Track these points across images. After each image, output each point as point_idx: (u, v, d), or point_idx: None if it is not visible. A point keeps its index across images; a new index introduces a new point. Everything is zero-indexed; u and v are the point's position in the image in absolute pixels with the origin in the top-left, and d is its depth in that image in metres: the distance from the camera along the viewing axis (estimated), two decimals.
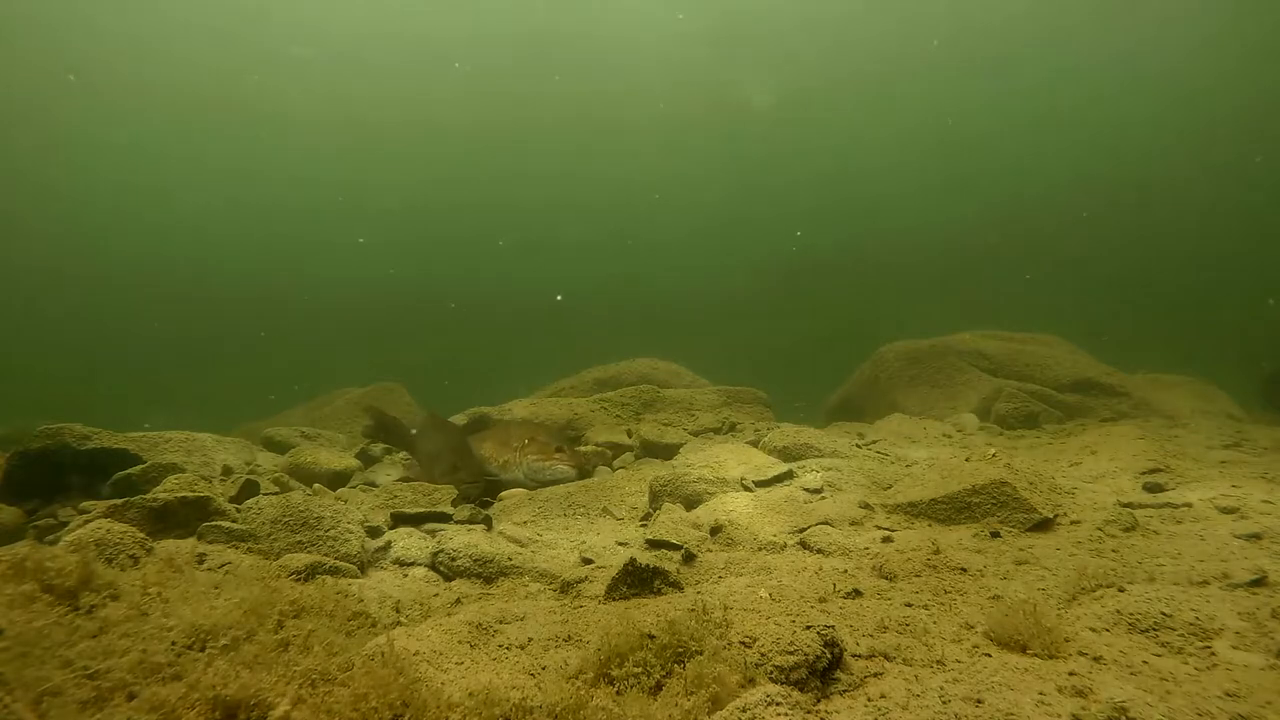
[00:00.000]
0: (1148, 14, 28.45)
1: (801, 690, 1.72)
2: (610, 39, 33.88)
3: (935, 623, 2.23)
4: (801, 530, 3.50)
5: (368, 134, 37.39)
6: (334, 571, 3.05)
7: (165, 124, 34.83)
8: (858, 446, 5.86)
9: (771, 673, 1.74)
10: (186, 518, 3.41)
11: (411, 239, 41.17)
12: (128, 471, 4.34)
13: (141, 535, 2.92)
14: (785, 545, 3.38)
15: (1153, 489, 4.06)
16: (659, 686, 1.72)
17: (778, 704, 1.62)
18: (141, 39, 31.26)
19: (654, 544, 3.40)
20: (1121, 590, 2.40)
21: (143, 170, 36.93)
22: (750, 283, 36.71)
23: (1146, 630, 2.15)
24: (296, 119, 35.97)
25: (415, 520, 4.01)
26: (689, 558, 3.12)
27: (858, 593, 2.56)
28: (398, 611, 2.71)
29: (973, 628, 2.18)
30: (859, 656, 1.93)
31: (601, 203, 41.91)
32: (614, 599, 2.57)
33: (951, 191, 38.09)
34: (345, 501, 4.56)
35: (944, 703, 1.65)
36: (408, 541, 3.56)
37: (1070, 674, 1.80)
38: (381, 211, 40.52)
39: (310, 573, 2.96)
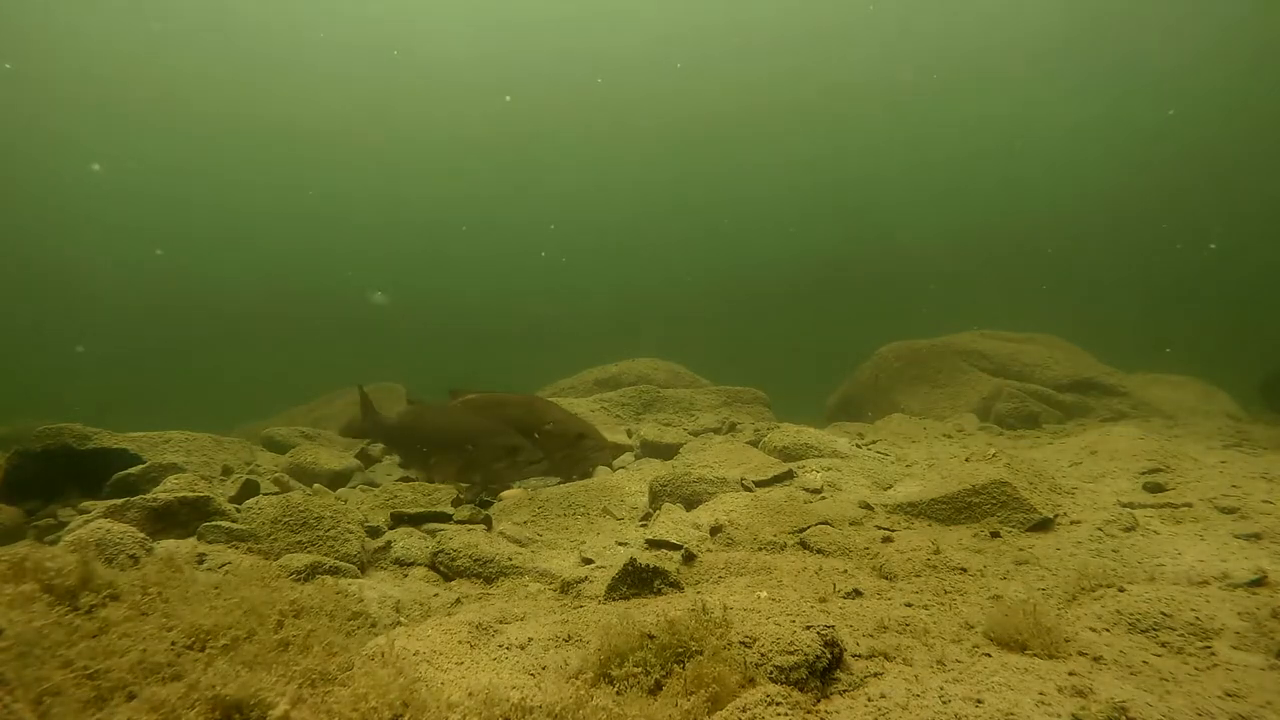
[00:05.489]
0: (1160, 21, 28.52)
1: (801, 690, 1.71)
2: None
3: (935, 623, 2.23)
4: (801, 530, 3.50)
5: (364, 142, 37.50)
6: (334, 571, 3.05)
7: (161, 131, 34.88)
8: (858, 446, 5.86)
9: (771, 673, 1.74)
10: (186, 518, 3.41)
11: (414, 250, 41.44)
12: (128, 471, 4.34)
13: (141, 535, 2.92)
14: (785, 545, 3.38)
15: (1153, 489, 4.06)
16: (659, 686, 1.72)
17: (778, 704, 1.62)
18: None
19: (654, 544, 3.40)
20: (1121, 590, 2.40)
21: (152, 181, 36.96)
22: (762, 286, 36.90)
23: (1146, 630, 2.15)
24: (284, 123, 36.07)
25: (415, 520, 4.01)
26: (689, 558, 3.12)
27: (858, 593, 2.56)
28: (398, 611, 2.71)
29: (973, 628, 2.18)
30: (859, 656, 1.93)
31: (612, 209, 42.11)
32: (614, 599, 2.57)
33: (956, 201, 38.23)
34: (345, 501, 4.56)
35: (944, 703, 1.65)
36: (408, 541, 3.56)
37: (1070, 674, 1.80)
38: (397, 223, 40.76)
39: (310, 573, 2.96)
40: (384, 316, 37.63)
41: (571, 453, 4.67)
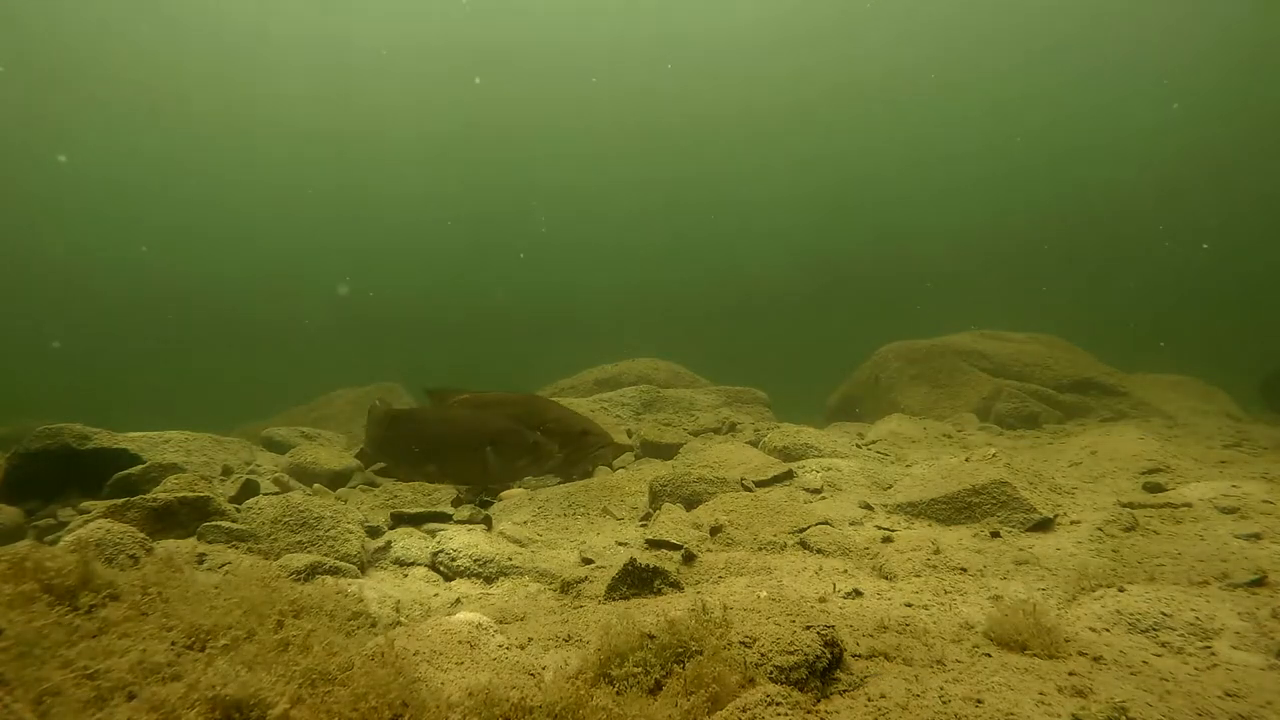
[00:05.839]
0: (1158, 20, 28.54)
1: (801, 690, 1.71)
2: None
3: (935, 623, 2.23)
4: (801, 530, 3.50)
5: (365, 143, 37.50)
6: (334, 571, 3.05)
7: (161, 130, 34.85)
8: (858, 446, 5.86)
9: (771, 673, 1.74)
10: (186, 518, 3.41)
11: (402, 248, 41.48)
12: (128, 471, 4.34)
13: (141, 535, 2.91)
14: (785, 545, 3.38)
15: (1153, 489, 4.06)
16: (659, 686, 1.72)
17: (778, 704, 1.62)
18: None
19: (654, 544, 3.40)
20: (1121, 590, 2.40)
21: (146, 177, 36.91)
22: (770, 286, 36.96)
23: (1146, 630, 2.15)
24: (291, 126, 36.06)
25: (415, 520, 4.01)
26: (689, 558, 3.12)
27: (858, 593, 2.56)
28: (398, 611, 2.71)
29: (973, 628, 2.18)
30: (859, 656, 1.93)
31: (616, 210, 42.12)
32: (614, 599, 2.57)
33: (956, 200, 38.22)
34: (345, 501, 4.56)
35: (944, 703, 1.65)
36: (408, 541, 3.56)
37: (1070, 674, 1.80)
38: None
39: (310, 573, 2.96)
40: (381, 316, 37.68)
41: (574, 451, 4.62)
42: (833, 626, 1.87)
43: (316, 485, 5.17)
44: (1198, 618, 2.16)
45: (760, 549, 3.36)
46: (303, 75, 34.32)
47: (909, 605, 2.43)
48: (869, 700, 1.69)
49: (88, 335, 36.43)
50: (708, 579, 2.92)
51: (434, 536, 3.70)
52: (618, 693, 1.69)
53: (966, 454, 4.38)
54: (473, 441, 4.44)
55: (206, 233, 39.95)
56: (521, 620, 2.36)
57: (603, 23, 33.92)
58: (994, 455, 4.02)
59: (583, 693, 1.62)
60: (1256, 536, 3.08)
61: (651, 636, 1.81)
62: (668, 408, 8.01)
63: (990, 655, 1.95)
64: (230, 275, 39.64)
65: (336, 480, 5.49)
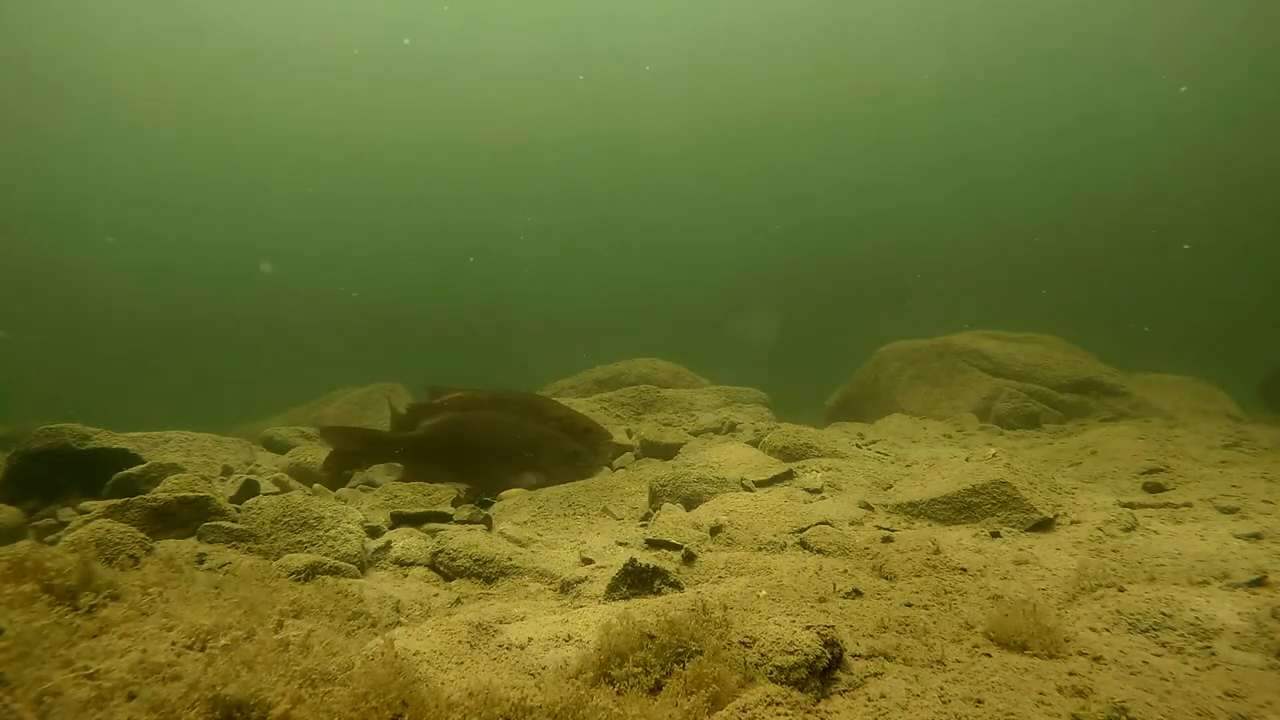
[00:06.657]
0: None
1: (801, 690, 1.72)
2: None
3: (935, 623, 2.23)
4: (801, 530, 3.50)
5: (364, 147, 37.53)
6: (334, 571, 3.05)
7: (155, 131, 34.86)
8: (858, 446, 5.86)
9: (771, 673, 1.74)
10: (186, 518, 3.41)
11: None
12: (128, 471, 4.34)
13: (141, 535, 2.92)
14: (785, 545, 3.38)
15: (1153, 489, 4.06)
16: (659, 686, 1.72)
17: (778, 704, 1.62)
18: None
19: (654, 544, 3.40)
20: (1121, 590, 2.40)
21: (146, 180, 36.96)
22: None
23: (1146, 630, 2.15)
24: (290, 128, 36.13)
25: (415, 520, 4.01)
26: (689, 558, 3.12)
27: (858, 593, 2.56)
28: (398, 611, 2.71)
29: (973, 628, 2.18)
30: (859, 656, 1.93)
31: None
32: (614, 599, 2.57)
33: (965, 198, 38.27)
34: (345, 501, 4.56)
35: (944, 703, 1.65)
36: (408, 541, 3.56)
37: (1070, 674, 1.80)
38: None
39: (310, 573, 2.96)
40: (381, 317, 37.73)
41: (571, 466, 4.65)
42: (833, 626, 1.87)
43: (316, 485, 5.17)
44: (1198, 618, 2.16)
45: (760, 549, 3.36)
46: (314, 79, 34.33)
47: (909, 605, 2.43)
48: (869, 700, 1.69)
49: (88, 336, 36.44)
50: (708, 579, 2.92)
51: (434, 536, 3.70)
52: (618, 693, 1.69)
53: (967, 454, 4.38)
54: (515, 447, 4.43)
55: (206, 233, 39.99)
56: (521, 620, 2.36)
57: (602, 25, 33.93)
58: (994, 455, 4.02)
59: (583, 693, 1.62)
60: (1256, 536, 3.08)
61: (651, 636, 1.81)
62: (668, 408, 8.01)
63: (990, 655, 1.95)
64: (230, 275, 39.67)
65: (337, 480, 5.49)
